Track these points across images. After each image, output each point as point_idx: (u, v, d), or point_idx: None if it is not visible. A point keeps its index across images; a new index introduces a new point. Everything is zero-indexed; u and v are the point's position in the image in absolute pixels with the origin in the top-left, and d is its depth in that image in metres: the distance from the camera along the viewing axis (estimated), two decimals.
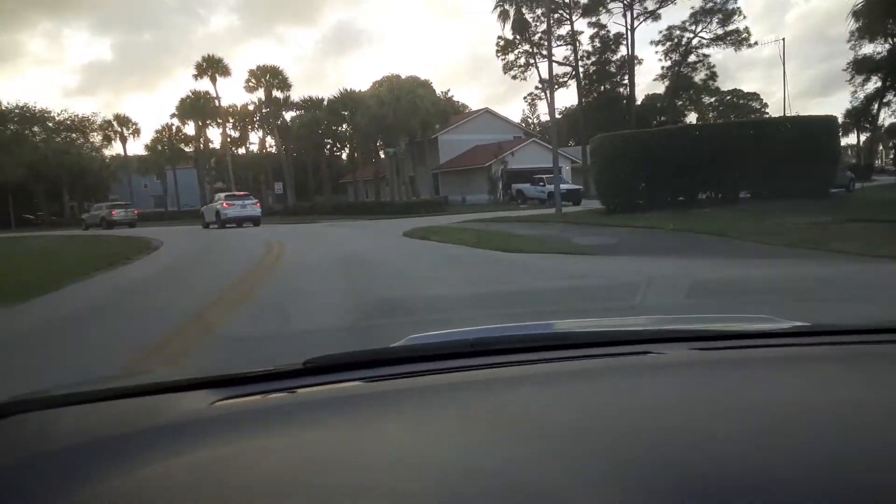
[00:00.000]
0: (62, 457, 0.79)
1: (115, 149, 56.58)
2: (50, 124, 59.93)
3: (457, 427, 0.84)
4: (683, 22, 45.46)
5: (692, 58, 47.24)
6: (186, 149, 54.12)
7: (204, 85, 47.80)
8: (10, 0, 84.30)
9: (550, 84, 26.55)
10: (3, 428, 0.92)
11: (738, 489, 0.63)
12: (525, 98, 49.33)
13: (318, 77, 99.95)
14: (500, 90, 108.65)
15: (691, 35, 45.64)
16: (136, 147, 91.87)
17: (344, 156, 57.42)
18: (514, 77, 46.06)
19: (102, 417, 0.93)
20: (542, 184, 36.76)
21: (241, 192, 29.74)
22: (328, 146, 50.33)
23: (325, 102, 43.91)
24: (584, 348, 1.16)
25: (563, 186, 36.74)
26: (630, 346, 1.18)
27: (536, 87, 49.74)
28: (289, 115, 50.04)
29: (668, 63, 47.88)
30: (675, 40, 46.05)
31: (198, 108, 49.17)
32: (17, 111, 57.86)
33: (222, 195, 28.77)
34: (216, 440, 0.80)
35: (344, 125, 44.79)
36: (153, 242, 18.34)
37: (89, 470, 0.75)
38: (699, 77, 48.48)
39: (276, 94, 47.61)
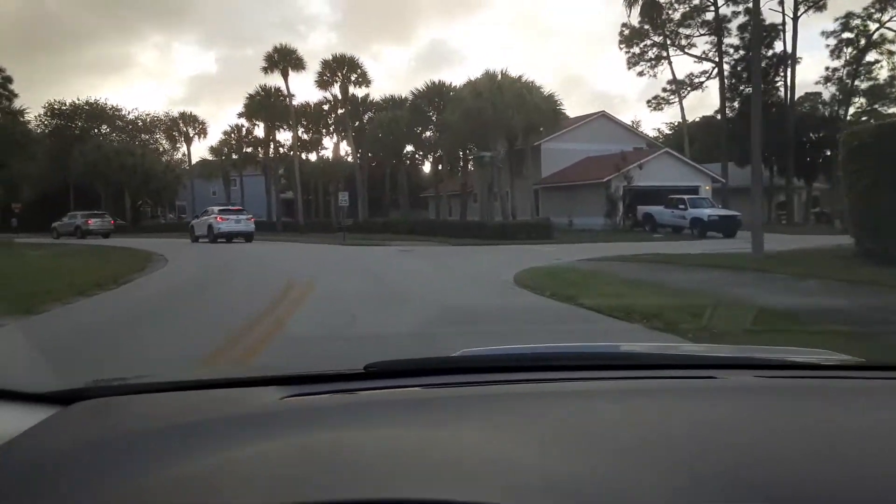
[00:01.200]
0: (137, 440, 0.84)
1: (185, 150, 52.17)
2: (119, 123, 56.62)
3: (524, 437, 0.85)
4: (865, 9, 35.62)
5: (872, 55, 37.19)
6: (254, 153, 48.84)
7: (275, 80, 42.00)
8: (127, 14, 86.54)
9: (720, 69, 18.10)
10: (83, 410, 0.96)
11: None
12: (649, 102, 39.94)
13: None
14: (598, 103, 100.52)
15: (876, 24, 35.77)
16: (204, 149, 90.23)
17: (426, 167, 50.53)
18: (641, 73, 37.61)
19: (177, 406, 0.98)
20: (681, 206, 28.02)
21: (236, 207, 29.59)
22: (408, 155, 43.72)
23: (410, 101, 36.53)
24: (649, 370, 1.17)
25: (715, 212, 27.97)
26: (696, 369, 1.19)
27: (665, 90, 40.90)
28: (368, 117, 43.59)
29: (838, 60, 37.99)
30: (854, 31, 36.19)
31: (267, 105, 43.57)
32: (86, 107, 54.77)
33: (216, 208, 27.94)
34: (284, 434, 0.84)
35: (429, 130, 37.58)
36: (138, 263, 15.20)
37: (162, 455, 0.79)
38: (883, 77, 38.24)
39: (354, 91, 41.28)
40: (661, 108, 43.08)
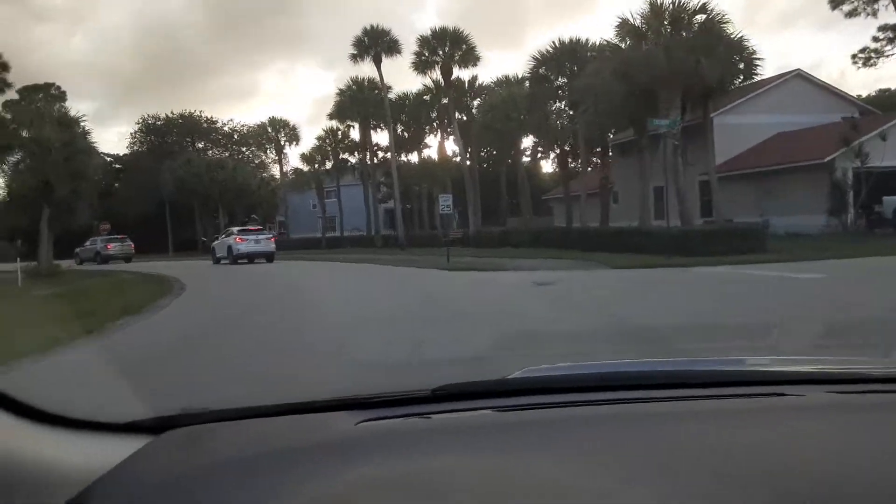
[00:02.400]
0: (229, 470, 0.87)
1: (280, 162, 47.20)
2: (215, 136, 53.08)
3: (600, 461, 0.86)
4: None
5: None
6: (350, 158, 42.81)
7: (366, 70, 35.44)
8: (253, 44, 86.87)
9: None
10: (174, 439, 1.00)
11: None
12: (855, 58, 28.55)
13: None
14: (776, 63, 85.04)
15: None
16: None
17: (547, 165, 41.91)
18: (850, 14, 26.84)
19: (262, 433, 1.00)
20: None
21: (255, 227, 28.36)
22: (527, 149, 35.63)
23: (531, 71, 27.92)
24: (716, 387, 1.15)
25: None
26: (764, 386, 1.17)
27: (878, 38, 29.67)
28: (477, 105, 35.90)
29: None
30: None
31: (359, 100, 37.23)
32: (179, 121, 51.65)
33: (235, 229, 27.27)
34: (364, 460, 0.86)
35: (556, 105, 28.85)
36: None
37: (255, 484, 0.81)
38: None
39: (459, 73, 33.79)
40: (873, 64, 31.57)
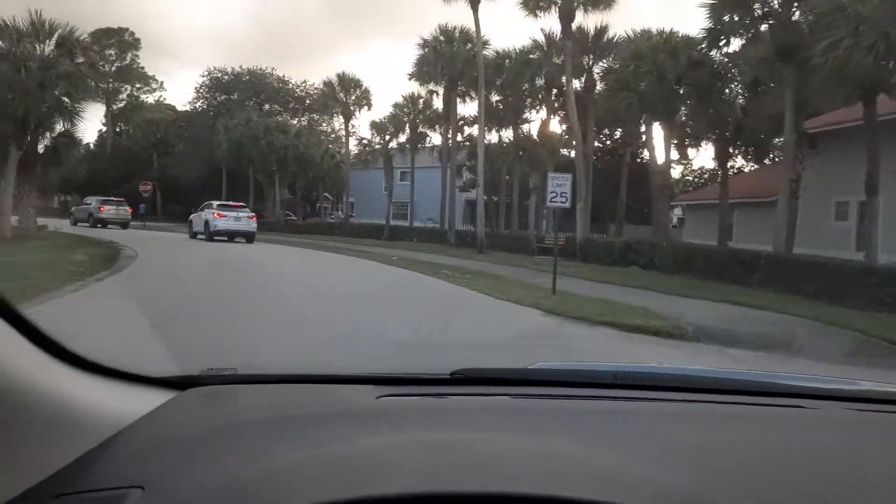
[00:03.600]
0: (248, 428, 0.90)
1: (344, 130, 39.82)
2: (286, 98, 46.59)
3: (614, 449, 0.87)
4: None
5: None
6: (430, 134, 34.87)
7: (459, 16, 27.24)
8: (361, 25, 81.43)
9: None
10: (197, 396, 1.04)
11: None
12: None
13: None
14: None
15: None
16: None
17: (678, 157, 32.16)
18: None
19: (283, 398, 1.04)
20: None
21: (237, 203, 25.74)
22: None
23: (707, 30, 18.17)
24: (730, 395, 1.16)
25: None
26: (782, 398, 1.18)
27: None
28: (603, 69, 26.80)
29: None
30: None
31: (446, 56, 29.07)
32: (247, 77, 45.45)
33: (214, 203, 24.66)
34: (383, 430, 0.90)
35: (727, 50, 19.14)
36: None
37: (271, 443, 0.84)
38: None
39: (583, 19, 24.91)
40: None
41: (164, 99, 56.35)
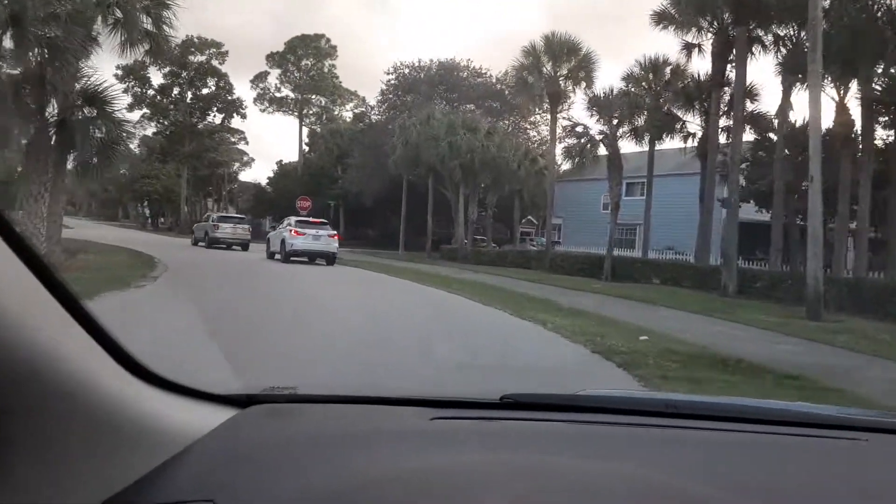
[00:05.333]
0: (305, 445, 0.95)
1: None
2: (482, 93, 37.42)
3: (675, 479, 0.87)
4: None
5: None
6: (684, 121, 22.67)
7: None
8: None
9: None
10: (258, 414, 1.06)
11: None
12: None
13: None
14: None
15: None
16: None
17: None
18: None
19: (340, 418, 1.08)
20: None
21: (317, 220, 21.85)
22: None
23: None
24: (789, 426, 1.15)
25: None
26: (837, 430, 1.17)
27: None
28: None
29: None
30: None
31: None
32: (434, 70, 37.19)
33: (292, 219, 21.56)
34: (437, 451, 0.93)
35: None
36: None
37: (327, 461, 0.88)
38: None
39: None
40: None
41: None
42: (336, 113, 52.56)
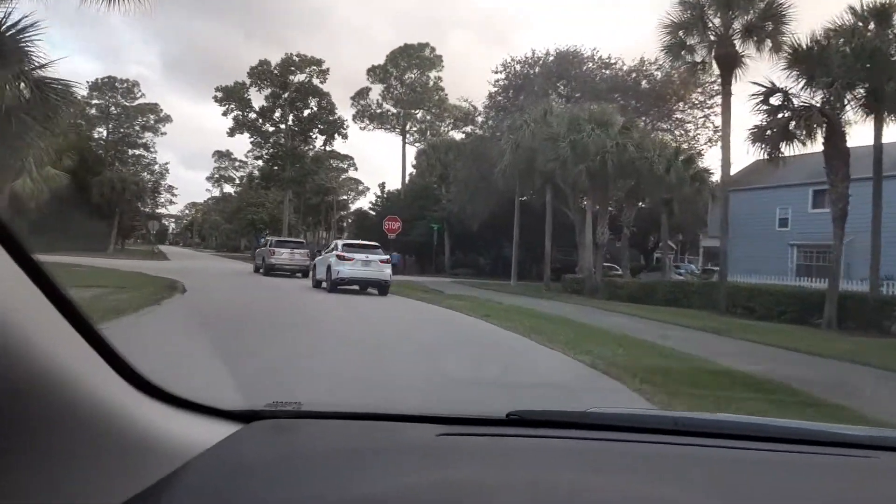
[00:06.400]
0: (311, 461, 0.94)
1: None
2: (612, 85, 30.37)
3: (683, 496, 0.88)
4: None
5: None
6: None
7: None
8: None
9: None
10: (262, 429, 1.06)
11: None
12: None
13: None
14: None
15: None
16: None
17: None
18: None
19: (345, 433, 1.08)
20: None
21: (367, 242, 18.64)
22: None
23: None
24: (797, 444, 1.14)
25: None
26: (847, 448, 1.16)
27: None
28: None
29: None
30: None
31: None
32: (551, 61, 30.68)
33: (339, 242, 19.29)
34: (443, 466, 0.94)
35: None
36: None
37: (330, 476, 0.88)
38: None
39: None
40: None
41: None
42: (442, 130, 47.66)
